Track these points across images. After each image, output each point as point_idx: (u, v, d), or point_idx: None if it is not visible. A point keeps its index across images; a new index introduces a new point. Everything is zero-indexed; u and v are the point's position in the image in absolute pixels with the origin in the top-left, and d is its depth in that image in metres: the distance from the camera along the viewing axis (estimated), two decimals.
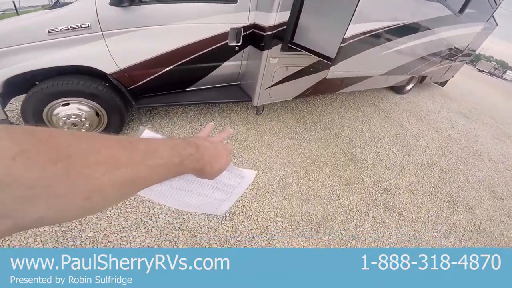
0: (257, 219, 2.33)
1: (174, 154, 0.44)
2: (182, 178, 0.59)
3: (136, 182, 0.37)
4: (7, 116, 2.22)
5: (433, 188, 3.45)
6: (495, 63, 48.83)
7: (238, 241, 2.13)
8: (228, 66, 3.00)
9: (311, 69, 3.33)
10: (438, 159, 4.16)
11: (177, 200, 0.65)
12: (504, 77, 38.60)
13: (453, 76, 8.20)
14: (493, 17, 6.05)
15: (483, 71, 34.17)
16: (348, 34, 2.17)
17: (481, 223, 3.15)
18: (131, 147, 0.38)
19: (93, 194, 0.31)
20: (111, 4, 2.05)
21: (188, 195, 0.65)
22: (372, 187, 3.10)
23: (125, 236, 1.96)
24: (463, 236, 2.90)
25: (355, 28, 2.21)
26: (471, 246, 2.80)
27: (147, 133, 0.57)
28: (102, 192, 0.32)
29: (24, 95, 2.30)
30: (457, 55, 6.39)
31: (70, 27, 2.06)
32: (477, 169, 4.27)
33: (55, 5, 2.35)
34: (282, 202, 2.55)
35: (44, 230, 1.88)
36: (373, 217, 2.72)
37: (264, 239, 2.20)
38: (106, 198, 0.34)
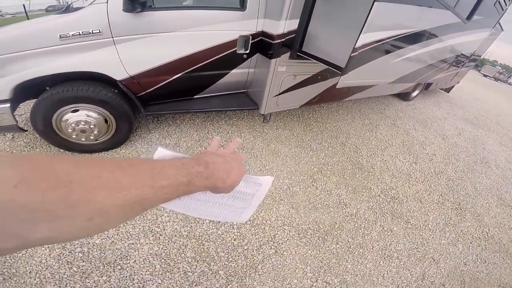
0: (264, 228, 2.33)
1: (181, 174, 0.44)
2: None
3: (141, 203, 0.38)
4: (16, 121, 2.22)
5: (441, 196, 3.43)
6: (500, 68, 48.59)
7: (246, 249, 2.12)
8: (236, 74, 3.00)
9: (319, 77, 3.32)
10: (445, 167, 4.13)
11: (199, 211, 0.66)
12: (509, 81, 38.41)
13: (458, 82, 8.15)
14: (499, 22, 6.02)
15: (488, 76, 33.96)
16: (359, 43, 2.16)
17: (489, 230, 3.12)
18: (134, 170, 0.39)
19: (96, 216, 0.32)
20: (124, 10, 2.06)
21: (208, 205, 0.66)
22: (379, 196, 3.08)
23: (132, 243, 1.96)
24: (471, 243, 2.87)
25: (365, 37, 2.20)
26: (479, 254, 2.78)
27: (160, 151, 0.59)
28: (104, 214, 0.33)
29: (33, 100, 2.32)
30: (464, 62, 6.36)
31: (82, 32, 2.07)
32: (485, 177, 4.23)
33: (67, 10, 2.36)
34: (289, 211, 2.54)
35: None
36: (380, 225, 2.70)
37: (271, 248, 2.19)
38: (110, 219, 0.35)
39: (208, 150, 0.66)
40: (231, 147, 0.69)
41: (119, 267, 1.81)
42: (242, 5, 2.58)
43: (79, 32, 2.06)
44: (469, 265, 2.63)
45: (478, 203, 3.53)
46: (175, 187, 0.43)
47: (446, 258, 2.61)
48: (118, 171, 0.36)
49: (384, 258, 2.40)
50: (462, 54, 5.60)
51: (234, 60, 2.87)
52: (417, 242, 2.66)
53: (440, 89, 8.35)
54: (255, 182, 0.67)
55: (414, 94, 6.69)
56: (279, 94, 3.11)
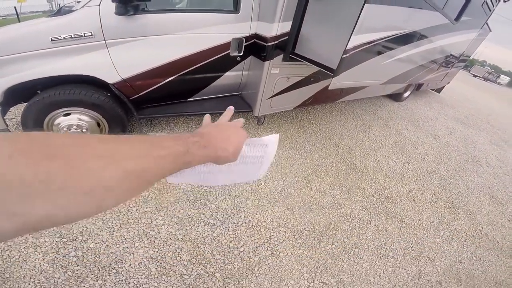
0: (260, 230, 2.32)
1: (178, 144, 0.44)
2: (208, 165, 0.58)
3: (143, 175, 0.36)
4: (7, 125, 2.20)
5: (434, 195, 3.47)
6: (489, 68, 49.42)
7: (242, 251, 2.11)
8: (230, 76, 3.01)
9: (312, 79, 3.35)
10: (437, 166, 4.18)
11: (215, 180, 0.65)
12: (498, 81, 39.10)
13: (448, 83, 8.28)
14: (486, 23, 6.15)
15: (477, 76, 34.56)
16: (350, 45, 2.19)
17: (482, 228, 3.17)
18: (132, 142, 0.38)
19: (96, 189, 0.31)
20: (117, 13, 2.05)
21: (222, 174, 0.64)
22: (373, 196, 3.10)
23: (127, 247, 1.94)
24: (465, 241, 2.91)
25: (356, 39, 2.23)
26: (474, 251, 2.82)
27: None
28: (105, 186, 0.31)
29: (24, 104, 2.29)
30: (453, 62, 6.47)
31: (74, 35, 2.05)
32: (476, 175, 4.30)
33: (59, 12, 2.34)
34: (284, 212, 2.54)
35: (45, 241, 1.86)
36: (375, 225, 2.72)
37: (267, 249, 2.19)
38: (111, 193, 0.33)
39: (218, 121, 0.66)
40: (225, 117, 0.68)
41: (114, 271, 1.79)
42: (236, 8, 2.59)
43: (71, 35, 2.05)
44: (464, 263, 2.66)
45: (471, 201, 3.58)
46: (174, 156, 0.42)
47: (441, 256, 2.64)
48: (115, 143, 0.35)
49: (380, 257, 2.42)
50: (451, 54, 5.70)
51: (227, 63, 2.88)
52: (412, 241, 2.68)
53: (431, 89, 8.49)
54: (260, 143, 0.66)
55: (406, 94, 6.79)
56: (273, 96, 3.12)
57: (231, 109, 0.73)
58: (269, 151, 0.67)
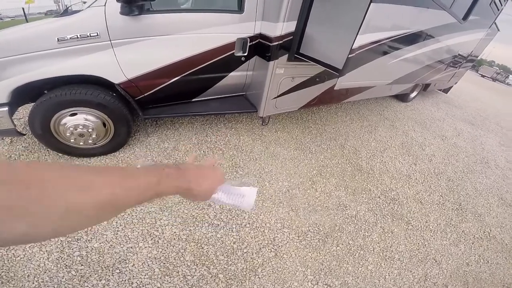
0: (264, 231, 2.31)
1: (152, 174, 0.48)
2: None
3: (114, 204, 0.41)
4: (14, 125, 2.22)
5: (441, 197, 3.42)
6: (497, 68, 48.77)
7: (245, 252, 2.11)
8: (234, 77, 3.00)
9: (317, 79, 3.32)
10: (445, 168, 4.12)
11: None
12: (506, 82, 38.55)
13: (456, 83, 8.18)
14: (495, 22, 6.07)
15: (486, 76, 34.11)
16: (356, 44, 2.16)
17: (491, 230, 3.11)
18: (105, 173, 0.42)
19: (69, 214, 0.35)
20: (122, 13, 2.06)
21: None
22: (379, 197, 3.07)
23: (131, 247, 1.95)
24: (473, 243, 2.86)
25: (363, 39, 2.20)
26: (481, 254, 2.77)
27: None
28: (77, 212, 0.36)
29: (31, 104, 2.31)
30: (461, 62, 6.39)
31: (80, 35, 2.07)
32: (485, 177, 4.23)
33: (65, 13, 2.36)
34: (289, 213, 2.53)
35: (50, 240, 1.87)
36: (381, 226, 2.69)
37: (271, 251, 2.17)
38: (85, 218, 0.38)
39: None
40: (208, 161, 0.73)
41: (117, 270, 1.79)
42: (240, 8, 2.58)
43: (77, 35, 2.06)
44: (471, 265, 2.62)
45: (479, 203, 3.52)
46: (145, 187, 0.46)
47: (448, 258, 2.60)
48: (89, 173, 0.40)
49: (385, 259, 2.39)
50: (459, 54, 5.63)
51: (232, 63, 2.87)
52: (419, 243, 2.65)
53: (438, 90, 8.38)
54: (238, 193, 0.69)
55: (413, 95, 6.72)
56: (278, 96, 3.10)
57: (215, 157, 0.81)
58: (244, 203, 0.69)
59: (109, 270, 1.79)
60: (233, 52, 2.76)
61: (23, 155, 2.53)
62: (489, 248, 2.87)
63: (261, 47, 2.81)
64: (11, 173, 0.32)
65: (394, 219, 2.83)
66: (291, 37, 2.62)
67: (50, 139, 2.37)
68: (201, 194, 0.59)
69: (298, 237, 2.35)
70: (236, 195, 0.69)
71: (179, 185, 0.54)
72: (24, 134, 2.44)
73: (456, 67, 6.49)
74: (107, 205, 0.40)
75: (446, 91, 8.58)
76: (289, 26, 2.55)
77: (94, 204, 0.38)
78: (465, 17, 4.16)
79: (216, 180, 0.64)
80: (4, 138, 2.68)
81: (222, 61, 2.74)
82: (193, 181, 0.56)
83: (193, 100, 3.04)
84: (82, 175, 0.38)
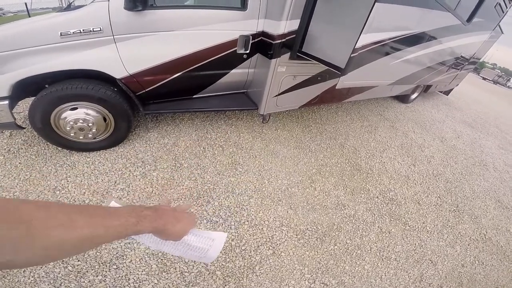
0: (262, 229, 2.32)
1: (131, 215, 0.54)
2: (160, 242, 0.70)
3: (93, 240, 0.47)
4: (14, 118, 2.21)
5: (439, 198, 3.43)
6: (499, 71, 48.66)
7: (243, 250, 2.12)
8: (236, 74, 2.99)
9: (319, 78, 3.32)
10: (443, 169, 4.13)
11: (165, 248, 0.73)
12: (508, 85, 38.52)
13: (457, 85, 8.17)
14: (499, 25, 6.05)
15: (487, 79, 34.06)
16: (358, 44, 2.16)
17: (486, 232, 3.13)
18: (89, 213, 0.48)
19: (51, 249, 0.41)
20: (126, 8, 2.05)
21: (171, 246, 0.73)
22: (377, 197, 3.08)
23: (129, 243, 1.95)
24: (468, 245, 2.88)
25: (366, 38, 2.19)
26: (477, 255, 2.79)
27: (113, 204, 0.71)
28: (59, 247, 0.42)
29: (31, 98, 2.31)
30: (463, 64, 6.38)
31: (83, 30, 2.06)
32: (483, 179, 4.24)
33: (68, 8, 2.35)
34: (287, 212, 2.54)
35: None
36: (378, 226, 2.70)
37: (269, 249, 2.18)
38: (64, 252, 0.44)
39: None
40: (183, 206, 0.79)
41: (114, 266, 1.79)
42: (243, 5, 2.57)
43: (80, 30, 2.05)
44: (466, 266, 2.63)
45: (476, 205, 3.54)
46: (125, 227, 0.52)
47: (444, 259, 2.62)
48: (74, 213, 0.45)
49: (382, 259, 2.40)
50: (461, 56, 5.63)
51: (234, 60, 2.86)
52: (415, 244, 2.66)
53: (439, 91, 8.37)
54: (207, 237, 0.74)
55: (413, 96, 6.71)
56: (279, 94, 3.10)
57: (188, 205, 0.87)
58: (214, 246, 0.74)
59: (106, 266, 1.79)
60: (235, 50, 2.75)
61: (22, 148, 2.53)
62: (484, 250, 2.89)
63: (263, 45, 2.80)
64: (3, 213, 0.37)
65: (392, 219, 2.85)
66: (294, 35, 2.61)
67: (50, 133, 2.37)
68: (174, 234, 0.65)
69: (296, 235, 2.36)
70: (206, 238, 0.73)
71: (155, 226, 0.60)
72: (24, 128, 2.43)
73: (458, 69, 6.49)
74: (86, 241, 0.46)
75: (447, 93, 8.58)
76: (292, 25, 2.54)
77: (74, 241, 0.43)
78: (469, 19, 4.15)
79: (189, 223, 0.71)
80: (4, 131, 2.67)
81: (224, 58, 2.74)
82: (168, 223, 0.63)
83: (194, 96, 3.04)
84: (66, 215, 0.44)
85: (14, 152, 2.48)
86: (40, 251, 0.39)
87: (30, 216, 0.39)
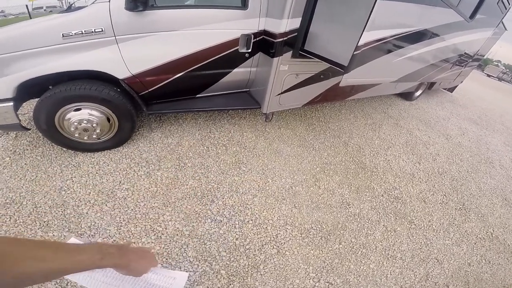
0: (266, 227, 2.31)
1: (97, 252, 0.60)
2: (118, 278, 0.73)
3: (61, 272, 0.54)
4: (19, 120, 2.23)
5: (445, 196, 3.40)
6: (503, 68, 48.10)
7: (248, 249, 2.11)
8: (238, 73, 2.99)
9: (321, 76, 3.30)
10: (449, 167, 4.10)
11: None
12: None
13: (461, 82, 8.10)
14: (502, 21, 6.00)
15: (492, 76, 33.73)
16: (361, 41, 2.14)
17: (493, 231, 3.10)
18: (58, 249, 0.55)
19: (22, 278, 0.47)
20: (126, 8, 2.06)
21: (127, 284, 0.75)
22: (382, 196, 3.06)
23: (134, 242, 1.95)
24: (475, 244, 2.85)
25: (368, 36, 2.18)
26: (483, 254, 2.76)
27: (73, 240, 0.75)
28: (29, 277, 0.48)
29: (35, 100, 2.32)
30: (467, 61, 6.33)
31: (84, 31, 2.06)
32: (489, 177, 4.20)
33: (69, 9, 2.36)
34: (291, 210, 2.53)
35: (53, 235, 1.90)
36: (384, 225, 2.69)
37: (273, 247, 2.18)
38: (34, 281, 0.49)
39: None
40: (145, 248, 0.88)
41: None
42: (244, 4, 2.57)
43: (82, 31, 2.06)
44: (473, 265, 2.61)
45: (483, 203, 3.50)
46: (90, 261, 0.58)
47: (450, 258, 2.59)
48: (44, 248, 0.52)
49: (388, 258, 2.38)
50: (465, 53, 5.59)
51: (236, 59, 2.86)
52: (421, 243, 2.64)
53: (444, 88, 8.32)
54: (169, 275, 0.77)
55: (417, 93, 6.66)
56: (282, 93, 3.09)
57: (151, 247, 0.94)
58: (175, 285, 0.76)
59: None
60: (237, 49, 2.75)
61: (27, 149, 2.55)
62: (491, 249, 2.86)
63: (265, 44, 2.79)
64: None
65: (397, 218, 2.82)
66: (296, 33, 2.60)
67: (54, 134, 2.38)
68: (135, 270, 0.70)
69: (300, 234, 2.35)
70: (166, 276, 0.77)
71: (118, 262, 0.65)
72: (29, 129, 2.45)
73: (462, 66, 6.43)
74: (56, 273, 0.53)
75: (451, 90, 8.51)
76: (294, 23, 2.54)
77: (43, 272, 0.50)
78: (472, 16, 4.11)
79: (150, 262, 0.76)
80: (9, 132, 2.70)
81: (226, 57, 2.74)
82: (131, 260, 0.68)
83: (197, 96, 3.04)
84: (38, 250, 0.50)
85: (19, 153, 2.50)
86: (11, 280, 0.45)
87: (4, 251, 0.45)
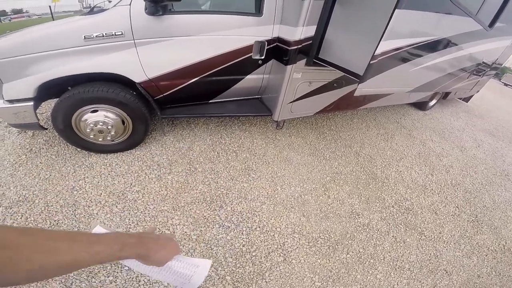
0: (273, 235, 2.31)
1: (115, 242, 0.58)
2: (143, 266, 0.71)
3: (78, 264, 0.51)
4: (38, 119, 2.29)
5: (457, 208, 3.33)
6: None
7: (254, 256, 2.11)
8: (251, 80, 3.00)
9: (335, 85, 3.28)
10: (462, 179, 4.01)
11: (149, 272, 0.75)
12: None
13: (478, 91, 7.91)
14: None
15: (509, 85, 32.86)
16: (378, 51, 2.12)
17: (506, 243, 3.01)
18: (72, 240, 0.51)
19: (35, 271, 0.44)
20: (148, 12, 2.11)
21: (156, 271, 0.74)
22: (393, 206, 3.01)
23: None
24: (486, 256, 2.78)
25: (385, 45, 2.15)
26: (494, 266, 2.69)
27: (98, 228, 0.73)
28: (42, 270, 0.45)
29: (53, 100, 2.39)
30: (485, 70, 6.19)
31: (105, 34, 2.11)
32: (504, 189, 4.08)
33: (91, 11, 2.42)
34: (300, 219, 2.52)
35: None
36: (393, 236, 2.65)
37: (280, 255, 2.17)
38: (47, 274, 0.47)
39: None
40: (166, 234, 0.83)
41: (126, 268, 1.82)
42: (259, 11, 2.59)
43: (102, 34, 2.11)
44: (482, 277, 2.54)
45: (496, 216, 3.41)
46: (109, 253, 0.55)
47: (460, 270, 2.53)
48: (58, 239, 0.49)
49: (395, 269, 2.35)
50: (483, 62, 5.46)
51: (249, 66, 2.88)
52: (430, 254, 2.59)
53: (459, 98, 8.13)
54: (191, 263, 0.76)
55: (432, 103, 6.54)
56: (294, 101, 3.09)
57: (173, 234, 0.92)
58: (198, 272, 0.75)
59: (118, 267, 1.82)
60: (251, 55, 2.76)
61: (43, 148, 2.63)
62: (502, 261, 2.78)
63: (278, 51, 2.80)
64: None
65: (407, 229, 2.78)
66: (310, 41, 2.59)
67: (70, 134, 2.45)
68: (157, 260, 0.68)
69: (308, 243, 2.34)
70: (190, 264, 0.75)
71: (138, 252, 0.62)
72: (46, 129, 2.52)
73: (480, 75, 6.29)
74: (70, 265, 0.49)
75: (466, 100, 8.31)
76: (309, 31, 2.53)
77: (56, 265, 0.46)
78: (491, 24, 4.03)
79: (172, 250, 0.73)
80: (27, 131, 2.78)
81: (239, 63, 2.76)
82: (152, 249, 0.65)
83: (209, 101, 3.07)
84: (49, 241, 0.47)
85: (35, 152, 2.58)
86: (24, 273, 0.42)
87: (17, 242, 0.43)
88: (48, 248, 0.46)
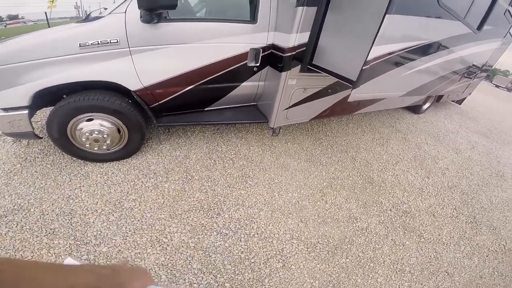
0: (272, 241, 2.30)
1: (91, 273, 0.59)
2: None
3: None
4: (33, 128, 2.27)
5: (455, 210, 3.34)
6: None
7: (253, 262, 2.10)
8: (246, 87, 3.02)
9: (329, 91, 3.31)
10: (458, 181, 4.03)
11: None
12: None
13: (470, 94, 8.02)
14: (509, 32, 5.97)
15: (500, 86, 33.30)
16: (370, 56, 2.15)
17: (506, 243, 3.02)
18: (54, 270, 0.53)
19: None
20: (143, 21, 2.11)
21: None
22: (390, 210, 3.02)
23: (139, 253, 1.96)
24: (487, 256, 2.78)
25: (377, 50, 2.18)
26: (496, 267, 2.69)
27: (69, 260, 0.72)
28: None
29: (47, 108, 2.37)
30: (475, 72, 6.29)
31: (100, 41, 2.11)
32: (501, 190, 4.11)
33: (87, 19, 2.42)
34: (298, 225, 2.51)
35: (59, 243, 1.92)
36: (392, 239, 2.64)
37: (279, 261, 2.16)
38: None
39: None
40: (141, 267, 0.83)
41: None
42: (253, 18, 2.62)
43: (98, 41, 2.10)
44: (485, 278, 2.54)
45: (494, 217, 3.43)
46: (84, 283, 0.56)
47: (461, 271, 2.53)
48: (42, 270, 0.51)
49: (396, 272, 2.34)
50: (473, 65, 5.55)
51: (244, 73, 2.89)
52: (431, 256, 2.59)
53: (452, 101, 8.23)
54: None
55: (425, 106, 6.61)
56: (289, 107, 3.10)
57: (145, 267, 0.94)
58: None
59: None
60: (246, 62, 2.78)
61: (38, 157, 2.61)
62: (504, 261, 2.79)
63: (273, 58, 2.83)
64: None
65: (406, 231, 2.78)
66: (304, 48, 2.62)
67: (66, 143, 2.43)
68: None
69: (307, 248, 2.32)
70: None
71: (114, 283, 0.63)
72: (41, 137, 2.49)
73: (471, 78, 6.39)
74: None
75: (459, 102, 8.42)
76: (302, 37, 2.56)
77: None
78: (479, 27, 4.11)
79: (146, 281, 0.74)
80: (22, 140, 2.76)
81: (235, 71, 2.77)
82: (126, 281, 0.66)
83: (205, 109, 3.08)
84: (33, 271, 0.49)
85: (30, 161, 2.56)
86: None
87: (3, 270, 0.45)
88: (34, 278, 0.48)
